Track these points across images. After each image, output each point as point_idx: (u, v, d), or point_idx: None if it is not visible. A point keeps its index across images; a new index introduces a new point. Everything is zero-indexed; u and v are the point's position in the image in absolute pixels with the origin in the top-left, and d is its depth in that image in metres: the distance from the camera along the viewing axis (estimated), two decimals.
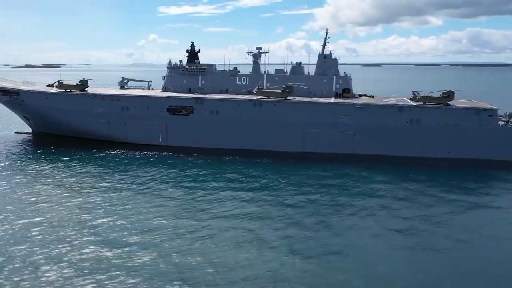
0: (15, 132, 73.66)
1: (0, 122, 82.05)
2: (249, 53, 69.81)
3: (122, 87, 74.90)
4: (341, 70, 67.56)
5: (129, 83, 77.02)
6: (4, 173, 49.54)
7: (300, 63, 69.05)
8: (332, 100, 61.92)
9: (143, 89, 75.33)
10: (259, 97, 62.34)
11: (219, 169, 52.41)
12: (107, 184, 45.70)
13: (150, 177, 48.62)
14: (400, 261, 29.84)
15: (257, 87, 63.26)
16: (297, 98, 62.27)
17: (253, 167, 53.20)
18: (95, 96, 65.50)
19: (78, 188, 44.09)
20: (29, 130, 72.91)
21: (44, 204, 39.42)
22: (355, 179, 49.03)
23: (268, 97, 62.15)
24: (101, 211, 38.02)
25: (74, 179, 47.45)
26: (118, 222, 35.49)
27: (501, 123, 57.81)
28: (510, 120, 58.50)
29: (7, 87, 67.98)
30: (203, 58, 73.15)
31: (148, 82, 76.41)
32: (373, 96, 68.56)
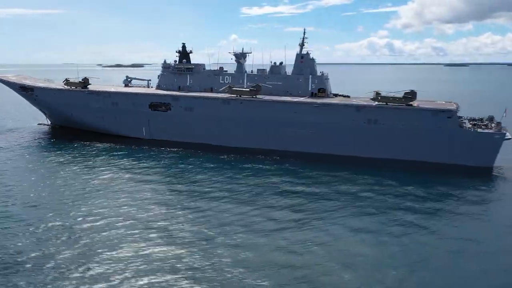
0: (38, 124, 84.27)
1: (26, 114, 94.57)
2: (233, 53, 72.91)
3: (126, 85, 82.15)
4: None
5: (133, 81, 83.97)
6: (22, 157, 58.61)
7: (281, 63, 70.70)
8: (296, 99, 62.68)
9: (143, 87, 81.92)
10: (230, 95, 65.38)
11: (181, 162, 56.46)
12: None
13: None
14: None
15: (227, 86, 66.31)
16: (266, 97, 64.16)
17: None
18: (92, 92, 73.14)
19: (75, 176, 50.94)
20: (48, 122, 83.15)
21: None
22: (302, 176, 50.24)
23: (240, 96, 64.86)
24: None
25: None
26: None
27: (468, 126, 54.86)
28: (477, 123, 55.16)
29: (25, 83, 78.40)
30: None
31: (148, 80, 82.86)
32: (348, 96, 67.95)
